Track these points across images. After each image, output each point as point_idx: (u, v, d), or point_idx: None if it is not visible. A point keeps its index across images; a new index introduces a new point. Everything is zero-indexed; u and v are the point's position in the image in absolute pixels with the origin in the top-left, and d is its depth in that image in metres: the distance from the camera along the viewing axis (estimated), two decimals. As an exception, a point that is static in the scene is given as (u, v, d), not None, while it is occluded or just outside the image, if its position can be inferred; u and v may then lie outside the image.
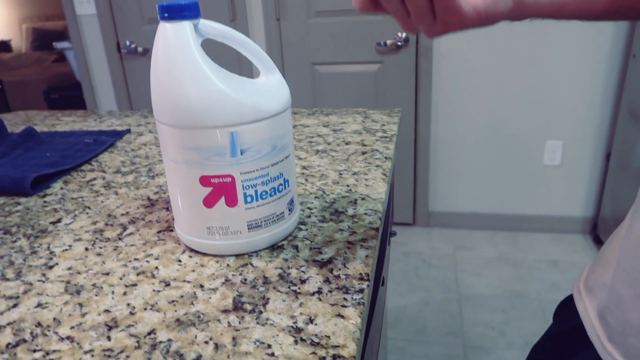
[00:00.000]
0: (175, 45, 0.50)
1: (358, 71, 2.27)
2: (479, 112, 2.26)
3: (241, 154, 0.52)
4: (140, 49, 2.40)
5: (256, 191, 0.54)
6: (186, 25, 0.50)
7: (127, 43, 2.40)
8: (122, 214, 0.68)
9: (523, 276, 2.10)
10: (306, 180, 0.76)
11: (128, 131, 1.07)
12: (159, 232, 0.62)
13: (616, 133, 2.11)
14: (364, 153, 0.86)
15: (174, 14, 0.50)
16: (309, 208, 0.66)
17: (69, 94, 4.26)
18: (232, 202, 0.53)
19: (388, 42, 2.17)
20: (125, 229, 0.63)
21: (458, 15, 0.41)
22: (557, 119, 2.21)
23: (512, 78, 2.17)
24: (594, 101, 2.14)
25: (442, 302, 1.97)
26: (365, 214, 0.64)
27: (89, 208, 0.70)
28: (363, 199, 0.69)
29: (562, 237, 2.36)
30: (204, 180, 0.52)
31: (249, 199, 0.54)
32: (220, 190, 0.53)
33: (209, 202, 0.53)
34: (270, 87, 0.56)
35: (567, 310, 0.47)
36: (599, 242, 2.29)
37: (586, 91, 2.13)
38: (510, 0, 0.45)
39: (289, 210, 0.58)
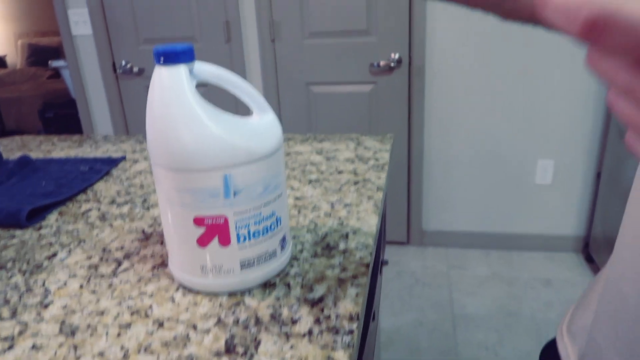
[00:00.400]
0: (171, 89, 0.51)
1: (352, 91, 2.30)
2: (471, 132, 2.28)
3: (234, 195, 0.53)
4: (135, 69, 2.42)
5: (249, 230, 0.55)
6: (181, 70, 0.52)
7: (123, 63, 2.42)
8: (117, 248, 0.69)
9: (517, 295, 2.11)
10: (299, 212, 0.77)
11: (123, 158, 1.08)
12: (153, 267, 0.63)
13: (606, 152, 2.13)
14: (356, 183, 0.88)
15: (169, 58, 0.51)
16: (301, 242, 0.67)
17: (64, 113, 4.26)
18: (225, 241, 0.54)
19: (381, 63, 2.20)
20: (119, 264, 0.64)
21: None
22: (549, 138, 2.23)
23: (504, 98, 2.20)
24: (585, 121, 2.18)
25: (436, 322, 1.97)
26: (356, 248, 0.65)
27: (84, 242, 0.71)
28: (354, 232, 0.70)
29: (555, 256, 2.38)
30: (198, 221, 0.54)
31: (242, 238, 0.55)
32: (213, 230, 0.54)
33: (202, 241, 0.54)
34: (263, 127, 0.57)
35: (552, 353, 0.48)
36: (590, 260, 2.30)
37: (577, 111, 2.16)
38: None
39: (282, 247, 0.59)
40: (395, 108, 2.29)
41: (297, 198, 0.83)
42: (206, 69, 0.54)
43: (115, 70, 2.46)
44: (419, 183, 2.41)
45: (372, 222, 0.73)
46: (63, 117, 4.29)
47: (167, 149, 0.52)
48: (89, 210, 0.82)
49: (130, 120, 2.56)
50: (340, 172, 0.93)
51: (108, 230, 0.74)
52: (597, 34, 0.18)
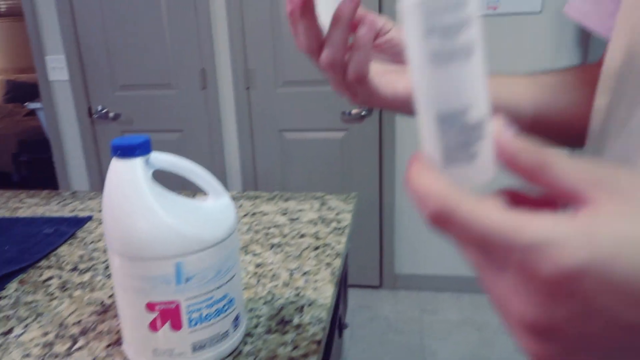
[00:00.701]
0: (127, 182, 0.54)
1: (324, 138, 2.35)
2: (441, 178, 2.34)
3: (186, 282, 0.55)
4: (112, 114, 2.44)
5: (201, 314, 0.57)
6: (137, 163, 0.54)
7: (99, 108, 2.44)
8: (74, 323, 0.69)
9: (488, 340, 2.13)
10: (258, 281, 0.79)
11: (89, 218, 1.09)
12: (108, 346, 0.64)
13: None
14: (316, 248, 0.90)
15: (126, 153, 0.54)
16: (257, 316, 0.69)
17: (38, 157, 4.22)
18: (177, 326, 0.56)
19: (353, 111, 2.26)
20: (75, 342, 0.65)
21: (375, 96, 0.45)
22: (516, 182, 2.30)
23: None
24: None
25: (407, 370, 1.97)
26: (310, 323, 0.67)
27: (42, 315, 0.72)
28: (310, 304, 0.72)
29: (524, 299, 2.41)
30: (150, 306, 0.55)
31: (193, 322, 0.56)
32: (165, 316, 0.56)
33: (154, 326, 0.56)
34: (217, 212, 0.60)
35: None
36: (559, 304, 2.34)
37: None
38: None
39: (234, 327, 0.61)
40: (368, 154, 2.35)
41: (257, 265, 0.85)
42: (162, 158, 0.57)
43: (91, 115, 2.48)
44: (391, 226, 2.44)
45: (327, 294, 0.75)
46: (37, 162, 4.25)
47: (122, 238, 0.54)
48: (50, 278, 0.83)
49: (105, 167, 2.56)
50: (302, 236, 0.96)
51: (67, 302, 0.75)
52: (440, 224, 0.21)
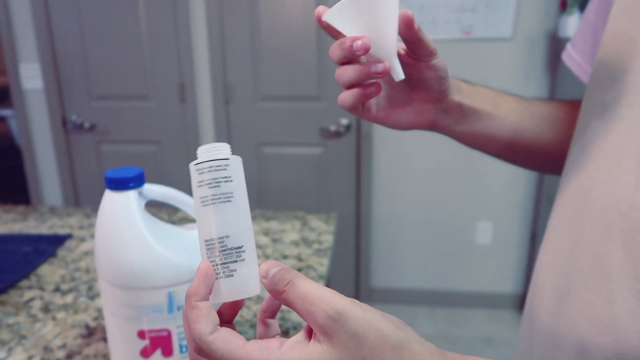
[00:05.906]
0: (120, 214, 0.55)
1: (302, 153, 2.37)
2: (417, 194, 2.40)
3: (178, 310, 0.56)
4: (87, 125, 2.41)
5: (191, 341, 0.58)
6: (131, 195, 0.56)
7: (74, 118, 2.41)
8: (59, 346, 0.69)
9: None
10: (244, 304, 0.80)
11: (69, 236, 1.08)
12: (95, 371, 0.64)
13: (540, 215, 2.29)
14: (299, 270, 0.92)
15: (119, 185, 0.55)
16: (243, 340, 0.70)
17: (7, 165, 4.10)
18: (168, 352, 0.57)
19: (331, 127, 2.30)
20: (61, 367, 0.65)
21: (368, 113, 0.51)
22: (488, 202, 2.37)
23: (447, 163, 2.34)
24: (519, 187, 2.33)
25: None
26: (295, 347, 0.69)
27: (25, 338, 0.71)
28: (295, 327, 0.74)
29: (495, 313, 2.48)
30: (141, 334, 0.56)
31: (184, 349, 0.58)
32: (157, 343, 0.57)
33: (145, 353, 0.57)
34: (207, 240, 0.62)
35: None
36: (528, 318, 2.41)
37: (512, 178, 2.32)
38: (429, 117, 0.53)
39: (223, 352, 0.62)
40: (345, 170, 2.38)
41: (241, 287, 0.86)
42: (155, 190, 0.58)
43: (65, 125, 2.44)
44: (367, 241, 2.48)
45: (311, 317, 0.77)
46: (6, 170, 4.13)
47: (114, 267, 0.55)
48: (32, 299, 0.82)
49: (79, 179, 2.53)
50: (285, 257, 0.98)
51: (51, 324, 0.75)
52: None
